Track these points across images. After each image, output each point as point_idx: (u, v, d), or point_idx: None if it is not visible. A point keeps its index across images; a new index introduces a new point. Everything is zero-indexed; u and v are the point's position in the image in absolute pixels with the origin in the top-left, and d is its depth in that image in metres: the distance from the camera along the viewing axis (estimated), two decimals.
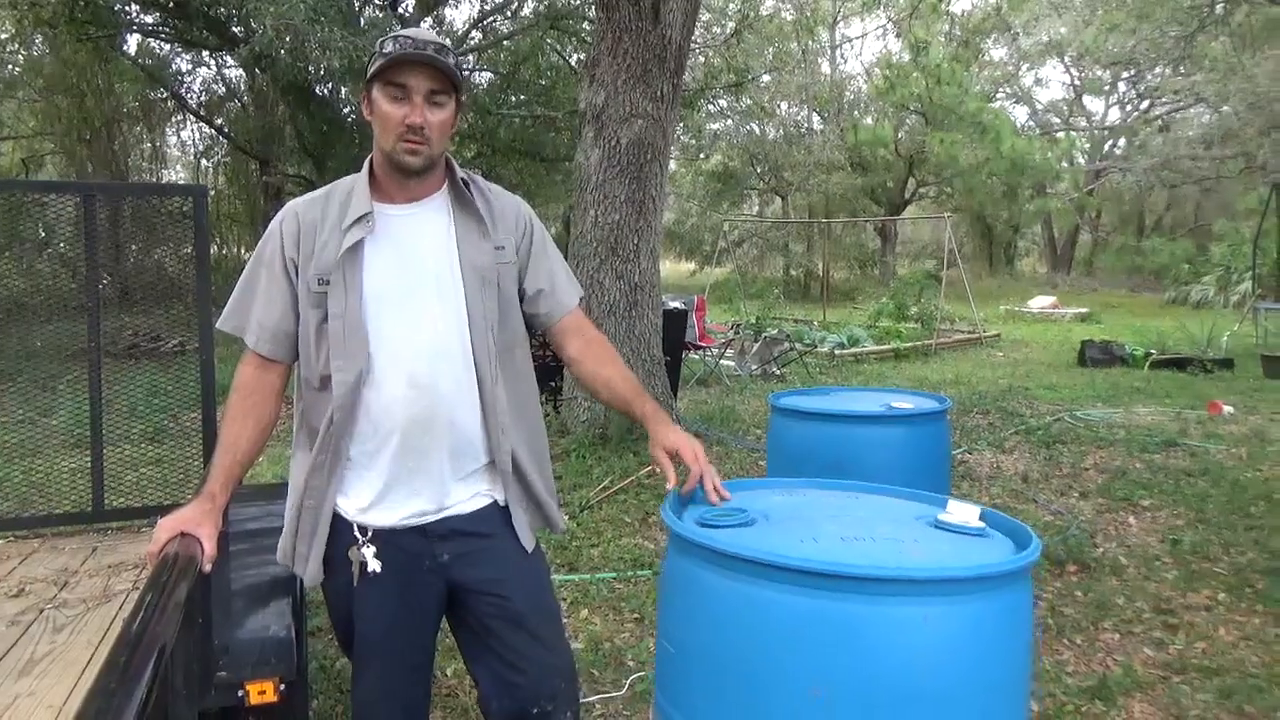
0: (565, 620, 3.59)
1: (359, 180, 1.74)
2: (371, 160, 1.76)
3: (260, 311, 1.75)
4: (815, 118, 27.56)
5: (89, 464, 3.72)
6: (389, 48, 1.64)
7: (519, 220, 1.84)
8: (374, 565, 1.72)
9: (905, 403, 3.15)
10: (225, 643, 2.19)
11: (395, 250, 1.71)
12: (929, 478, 3.04)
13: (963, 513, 1.66)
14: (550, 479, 1.92)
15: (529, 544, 1.83)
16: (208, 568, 1.63)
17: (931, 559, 1.42)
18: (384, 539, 1.74)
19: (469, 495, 1.78)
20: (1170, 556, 4.31)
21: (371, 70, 1.67)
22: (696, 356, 10.49)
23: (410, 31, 1.68)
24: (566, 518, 4.75)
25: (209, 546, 1.59)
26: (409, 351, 1.69)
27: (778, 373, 10.56)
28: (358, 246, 1.68)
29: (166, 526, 1.59)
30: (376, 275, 1.70)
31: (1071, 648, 3.38)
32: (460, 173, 1.78)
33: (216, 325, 1.86)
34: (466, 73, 17.53)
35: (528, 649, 1.77)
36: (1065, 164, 26.49)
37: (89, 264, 3.69)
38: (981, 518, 1.65)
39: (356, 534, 1.74)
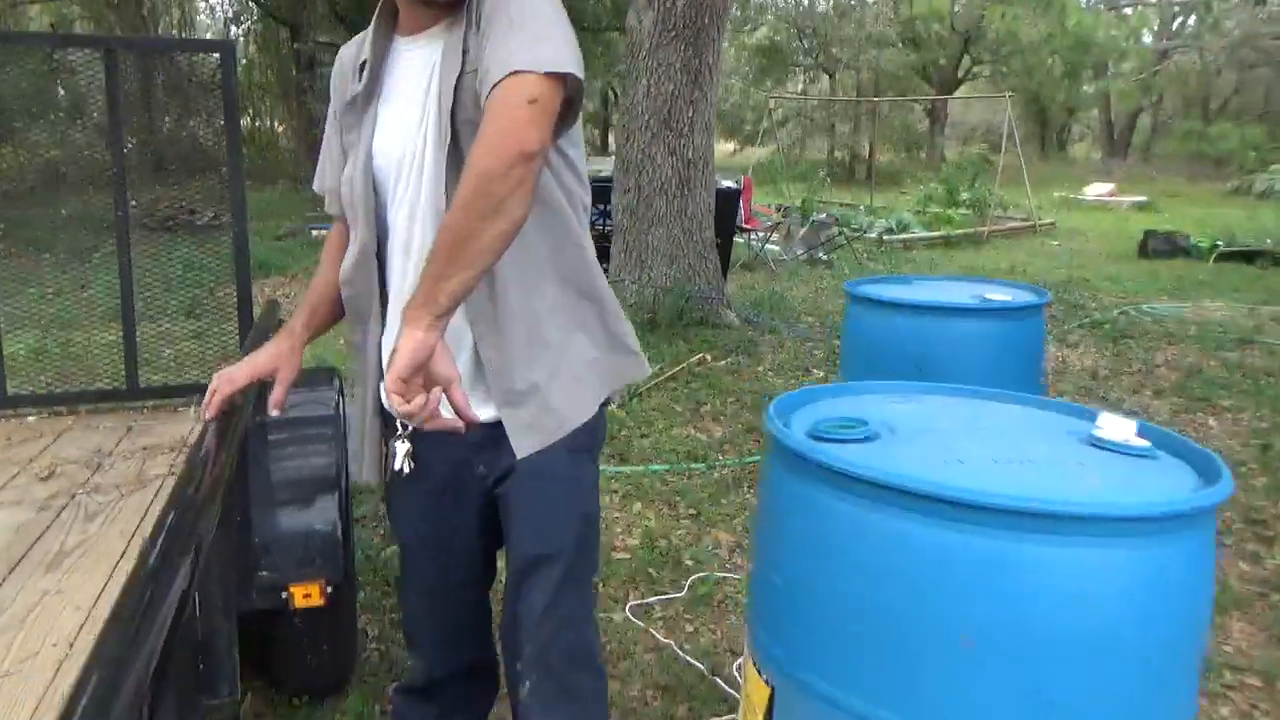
0: (618, 515, 3.44)
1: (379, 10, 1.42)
2: None
3: (328, 172, 1.52)
4: None
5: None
6: None
7: (489, 11, 1.25)
8: (400, 464, 1.45)
9: (1000, 294, 2.87)
10: (266, 541, 2.03)
11: (401, 97, 1.40)
12: (1022, 381, 2.79)
13: (1118, 428, 1.41)
14: (575, 337, 1.42)
15: (522, 445, 1.38)
16: (274, 413, 1.54)
17: (1105, 489, 1.18)
18: (421, 435, 1.40)
19: (487, 400, 1.40)
20: (1257, 463, 4.05)
21: None
22: (741, 240, 10.12)
23: None
24: (617, 403, 4.56)
25: (278, 392, 1.50)
26: (402, 216, 1.39)
27: (824, 258, 10.19)
28: (371, 96, 1.41)
29: (229, 378, 1.49)
30: (384, 130, 1.40)
31: None
32: None
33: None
34: None
35: (510, 599, 1.47)
36: (1132, 42, 25.01)
37: (112, 125, 3.44)
38: (1140, 433, 1.40)
39: (398, 425, 1.46)
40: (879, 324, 2.88)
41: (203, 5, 25.24)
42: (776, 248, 10.45)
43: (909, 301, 2.83)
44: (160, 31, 21.34)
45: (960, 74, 27.21)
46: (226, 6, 23.38)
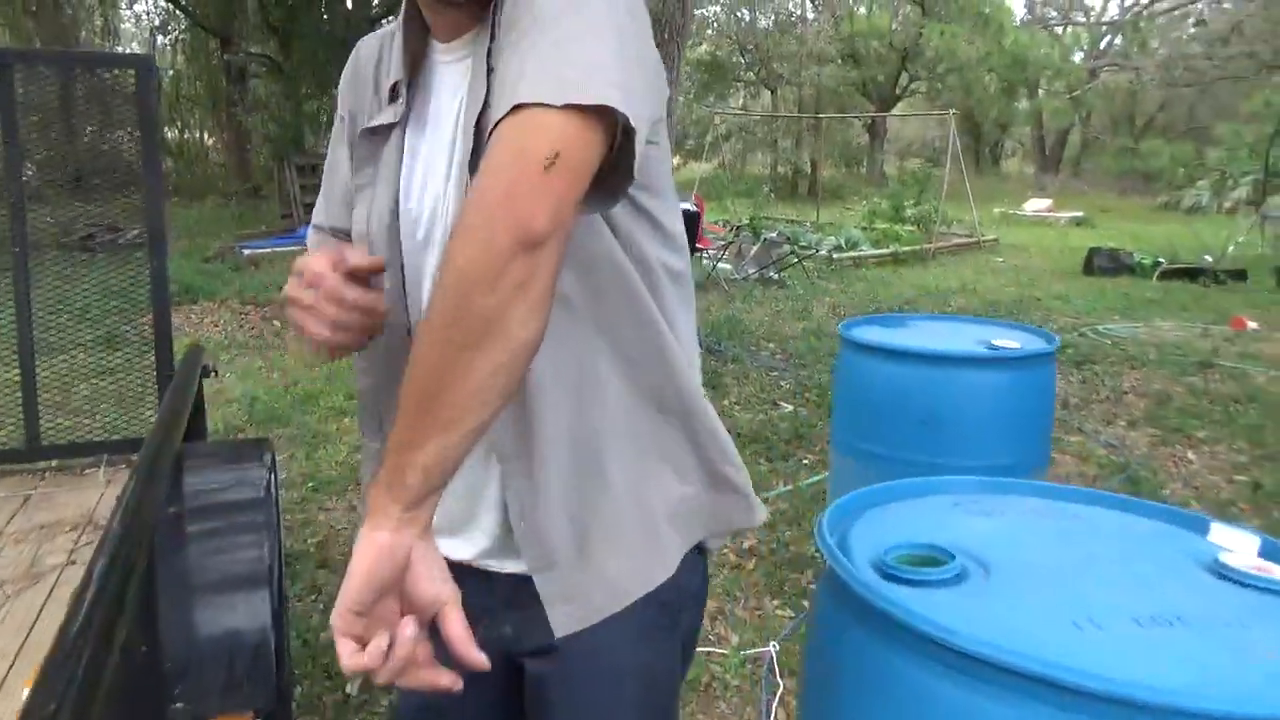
0: None
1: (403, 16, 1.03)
2: None
3: (333, 201, 1.15)
4: (808, 5, 26.30)
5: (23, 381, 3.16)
6: None
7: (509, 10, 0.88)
8: None
9: (1007, 339, 2.63)
10: (181, 662, 1.68)
11: (431, 130, 1.01)
12: (1032, 435, 2.57)
13: (1240, 548, 1.16)
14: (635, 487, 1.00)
15: (560, 621, 0.98)
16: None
17: None
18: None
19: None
20: (1248, 503, 3.90)
21: None
22: (693, 259, 9.89)
23: None
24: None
25: (360, 258, 0.93)
26: (430, 284, 1.01)
27: (776, 277, 10.01)
28: (395, 127, 1.02)
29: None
30: (412, 177, 1.02)
31: None
32: None
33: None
34: None
35: None
36: (1064, 61, 25.50)
37: (7, 145, 3.07)
38: (1265, 554, 1.15)
39: None
40: (880, 373, 2.63)
41: (128, 13, 24.35)
42: (728, 267, 10.24)
43: (914, 350, 2.57)
44: (82, 40, 20.53)
45: (898, 91, 27.49)
46: (153, 15, 22.55)
